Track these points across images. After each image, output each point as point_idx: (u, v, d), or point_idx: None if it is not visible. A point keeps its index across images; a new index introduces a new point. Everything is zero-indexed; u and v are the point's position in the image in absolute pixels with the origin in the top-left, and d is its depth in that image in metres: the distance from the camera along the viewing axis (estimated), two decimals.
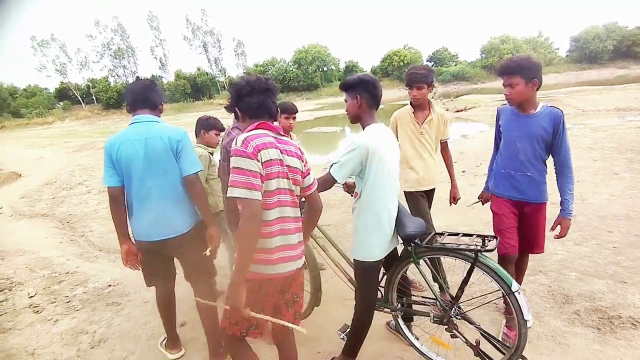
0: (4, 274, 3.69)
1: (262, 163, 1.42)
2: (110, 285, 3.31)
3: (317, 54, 47.61)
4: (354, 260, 1.95)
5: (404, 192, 2.78)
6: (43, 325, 2.79)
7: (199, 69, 49.10)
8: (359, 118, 1.89)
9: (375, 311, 2.24)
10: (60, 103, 43.38)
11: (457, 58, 56.70)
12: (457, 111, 18.15)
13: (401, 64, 46.99)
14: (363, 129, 1.89)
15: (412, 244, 1.94)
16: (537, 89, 2.07)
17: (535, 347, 2.17)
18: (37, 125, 34.61)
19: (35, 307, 3.06)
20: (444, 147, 2.88)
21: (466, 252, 1.81)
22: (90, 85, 44.00)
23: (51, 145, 16.26)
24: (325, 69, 49.73)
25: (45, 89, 45.47)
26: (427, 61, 53.62)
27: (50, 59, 43.76)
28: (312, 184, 1.68)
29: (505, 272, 1.76)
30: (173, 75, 48.35)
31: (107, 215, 5.76)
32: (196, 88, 46.33)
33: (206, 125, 2.91)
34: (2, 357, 2.42)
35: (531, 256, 3.21)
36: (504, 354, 1.85)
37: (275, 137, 1.53)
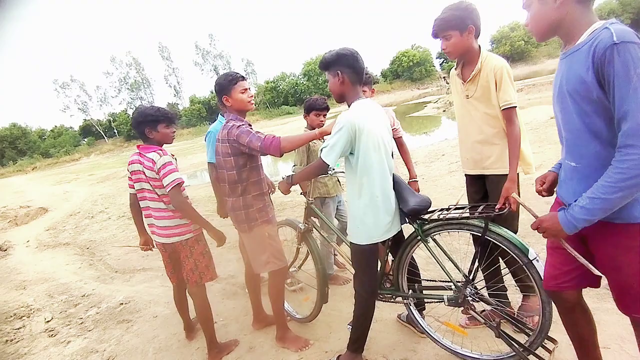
0: (24, 302, 3.77)
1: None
2: (122, 304, 3.31)
3: None
4: (351, 243, 1.86)
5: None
6: (56, 347, 2.80)
7: (212, 92, 50.33)
8: (343, 96, 1.80)
9: (387, 304, 2.13)
10: (85, 139, 45.44)
11: None
12: None
13: (411, 64, 46.68)
14: (349, 107, 1.79)
15: (418, 221, 1.82)
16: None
17: (561, 326, 1.98)
18: (65, 162, 36.22)
19: (50, 331, 3.09)
20: (507, 119, 1.88)
21: (474, 223, 1.69)
22: (111, 119, 45.93)
23: (77, 179, 16.92)
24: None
25: (70, 127, 47.81)
26: (436, 58, 53.08)
27: (72, 99, 46.06)
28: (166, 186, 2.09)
29: (519, 239, 1.62)
30: (188, 100, 49.77)
31: (124, 238, 5.88)
32: (211, 111, 47.45)
33: (308, 108, 2.82)
34: None
35: None
36: (528, 335, 1.69)
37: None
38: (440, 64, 54.38)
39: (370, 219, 1.76)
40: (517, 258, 1.60)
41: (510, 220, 1.96)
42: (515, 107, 1.85)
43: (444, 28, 1.87)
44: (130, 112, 47.96)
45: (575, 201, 1.20)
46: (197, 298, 2.30)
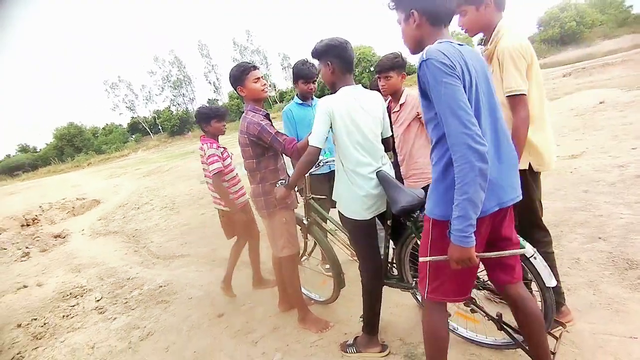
0: (79, 283, 4.16)
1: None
2: (161, 286, 3.57)
3: (362, 55, 47.28)
4: (345, 217, 1.92)
5: None
6: (104, 323, 3.09)
7: None
8: (334, 85, 1.86)
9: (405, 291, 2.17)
10: (133, 136, 48.23)
11: None
12: None
13: None
14: None
15: (412, 218, 1.83)
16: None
17: (586, 316, 1.93)
18: (115, 158, 38.63)
19: (100, 308, 3.40)
20: (511, 108, 1.67)
21: None
22: (156, 116, 48.27)
23: (125, 173, 18.02)
24: (372, 68, 49.25)
25: (120, 125, 50.87)
26: (478, 44, 50.44)
27: (121, 98, 48.93)
28: None
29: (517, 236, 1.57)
30: (227, 96, 51.20)
31: (165, 227, 6.26)
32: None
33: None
34: (67, 352, 2.72)
35: (590, 222, 2.89)
36: None
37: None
38: (483, 51, 51.79)
39: (352, 200, 1.84)
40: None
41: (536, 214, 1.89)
42: (521, 94, 1.62)
43: (458, 3, 1.70)
44: (173, 109, 50.21)
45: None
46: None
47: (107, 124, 50.44)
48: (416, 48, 1.38)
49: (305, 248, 2.60)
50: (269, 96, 51.29)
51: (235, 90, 2.23)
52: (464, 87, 1.19)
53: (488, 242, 1.37)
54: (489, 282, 1.74)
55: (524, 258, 1.52)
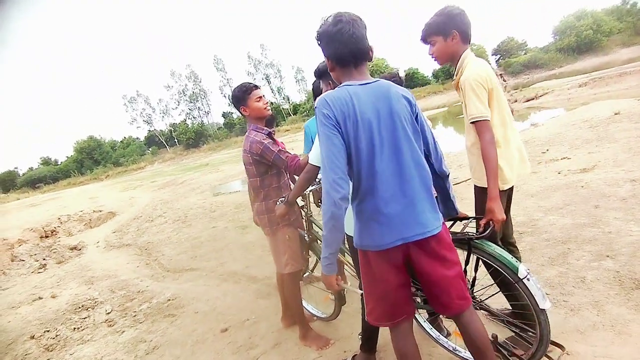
0: (91, 295, 4.26)
1: None
2: (169, 300, 3.64)
3: (376, 67, 47.61)
4: (348, 236, 1.91)
5: None
6: (112, 336, 3.16)
7: None
8: None
9: None
10: (149, 149, 49.33)
11: (526, 46, 52.34)
12: (527, 100, 16.72)
13: None
14: None
15: None
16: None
17: (588, 338, 1.89)
18: (132, 171, 39.56)
19: (110, 321, 3.48)
20: (477, 133, 1.76)
21: (459, 239, 1.65)
22: (172, 129, 49.35)
23: (141, 186, 18.43)
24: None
25: (137, 138, 52.17)
26: (492, 55, 50.49)
27: (138, 112, 50.33)
28: None
29: (508, 256, 1.56)
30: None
31: (177, 241, 6.37)
32: None
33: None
34: None
35: (598, 239, 2.83)
36: (530, 344, 1.64)
37: None
38: (497, 61, 51.62)
39: (352, 215, 1.83)
40: (507, 276, 1.55)
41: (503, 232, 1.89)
42: (483, 120, 1.70)
43: (428, 33, 1.87)
44: (188, 122, 51.24)
45: None
46: None
47: (125, 137, 51.90)
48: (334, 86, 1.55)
49: (307, 264, 2.62)
50: (283, 109, 52.05)
51: (238, 110, 2.30)
52: (347, 132, 1.31)
53: (418, 274, 1.43)
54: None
55: (517, 280, 1.51)
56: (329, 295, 2.61)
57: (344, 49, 1.36)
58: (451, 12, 1.79)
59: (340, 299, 2.35)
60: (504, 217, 1.67)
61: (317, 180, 2.26)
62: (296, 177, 2.23)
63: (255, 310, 3.07)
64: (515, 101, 17.51)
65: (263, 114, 2.27)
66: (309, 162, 1.84)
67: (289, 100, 54.65)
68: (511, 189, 1.90)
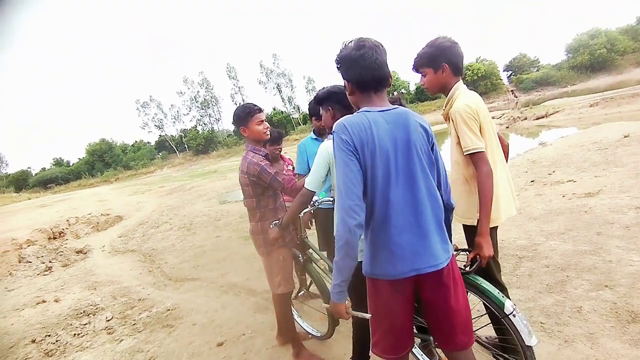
0: (93, 301, 4.32)
1: None
2: (169, 310, 3.68)
3: None
4: None
5: None
6: (111, 344, 3.20)
7: (274, 109, 52.70)
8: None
9: None
10: (160, 154, 49.91)
11: (539, 62, 52.25)
12: (537, 118, 16.63)
13: (475, 77, 44.86)
14: None
15: None
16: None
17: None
18: (142, 174, 40.08)
19: (109, 329, 3.52)
20: (473, 165, 1.75)
21: None
22: (182, 135, 49.95)
23: (149, 190, 18.63)
24: (394, 93, 49.62)
25: (148, 142, 52.92)
26: (503, 71, 50.45)
27: (150, 116, 51.08)
28: None
29: (494, 291, 1.56)
30: None
31: (180, 249, 6.43)
32: (273, 126, 49.29)
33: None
34: None
35: (598, 268, 2.81)
36: None
37: None
38: (508, 77, 51.54)
39: None
40: (494, 311, 1.56)
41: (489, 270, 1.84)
42: (479, 152, 1.68)
43: (419, 64, 1.89)
44: (199, 128, 51.85)
45: None
46: None
47: (136, 141, 52.63)
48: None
49: (304, 283, 2.65)
50: (292, 118, 52.43)
51: (238, 129, 2.35)
52: (364, 159, 1.30)
53: (424, 305, 1.42)
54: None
55: (504, 316, 1.52)
56: (323, 315, 2.63)
57: (366, 74, 1.37)
58: (442, 45, 1.80)
59: (334, 320, 2.37)
60: (492, 253, 1.67)
61: (315, 203, 2.30)
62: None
63: (252, 324, 3.09)
64: (525, 119, 17.46)
65: (262, 137, 2.32)
66: (305, 186, 1.88)
67: (299, 109, 55.06)
68: (496, 228, 1.87)
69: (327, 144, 1.88)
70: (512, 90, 44.58)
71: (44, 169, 49.84)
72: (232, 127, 54.26)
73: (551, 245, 3.43)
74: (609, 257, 2.97)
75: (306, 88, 56.24)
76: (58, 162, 51.22)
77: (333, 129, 1.36)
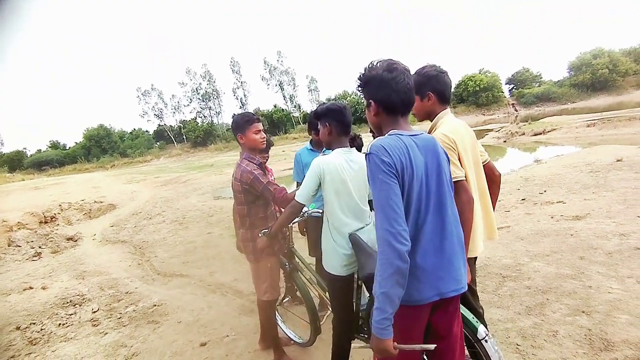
0: (80, 291, 4.34)
1: None
2: (155, 305, 3.71)
3: None
4: (324, 270, 2.01)
5: None
6: (95, 337, 3.23)
7: (275, 106, 52.63)
8: (330, 145, 2.02)
9: None
10: (157, 143, 49.71)
11: (541, 78, 52.64)
12: (535, 134, 16.79)
13: (477, 88, 45.13)
14: None
15: None
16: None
17: None
18: (138, 163, 39.90)
19: (94, 321, 3.55)
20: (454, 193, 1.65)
21: None
22: (181, 126, 49.77)
23: (144, 180, 18.59)
24: None
25: (146, 131, 52.59)
26: (506, 84, 50.78)
27: (151, 105, 50.81)
28: None
29: (469, 315, 1.62)
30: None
31: (171, 243, 6.45)
32: (273, 124, 49.53)
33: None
34: None
35: (577, 293, 2.88)
36: None
37: None
38: (510, 90, 51.86)
39: (333, 256, 1.93)
40: (467, 335, 1.60)
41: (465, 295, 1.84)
42: (459, 180, 1.66)
43: None
44: (199, 120, 51.69)
45: None
46: None
47: (134, 129, 52.33)
48: (378, 132, 1.51)
49: (290, 290, 2.70)
50: (293, 116, 52.44)
51: (235, 136, 2.40)
52: (403, 183, 1.27)
53: (436, 330, 1.41)
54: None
55: (476, 340, 1.57)
56: (305, 323, 2.68)
57: (397, 97, 1.37)
58: (428, 74, 1.83)
59: (316, 330, 2.42)
60: (470, 279, 1.70)
61: (304, 214, 2.35)
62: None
63: (236, 326, 3.13)
64: (523, 134, 17.61)
65: (258, 146, 2.36)
66: (295, 198, 1.93)
67: (300, 108, 55.07)
68: (475, 258, 1.91)
69: (320, 160, 1.93)
70: (513, 104, 44.81)
71: (39, 151, 49.48)
72: (231, 121, 54.12)
73: (535, 266, 3.50)
74: (589, 283, 3.04)
75: (308, 88, 56.24)
76: (54, 145, 50.86)
77: (369, 150, 1.31)
